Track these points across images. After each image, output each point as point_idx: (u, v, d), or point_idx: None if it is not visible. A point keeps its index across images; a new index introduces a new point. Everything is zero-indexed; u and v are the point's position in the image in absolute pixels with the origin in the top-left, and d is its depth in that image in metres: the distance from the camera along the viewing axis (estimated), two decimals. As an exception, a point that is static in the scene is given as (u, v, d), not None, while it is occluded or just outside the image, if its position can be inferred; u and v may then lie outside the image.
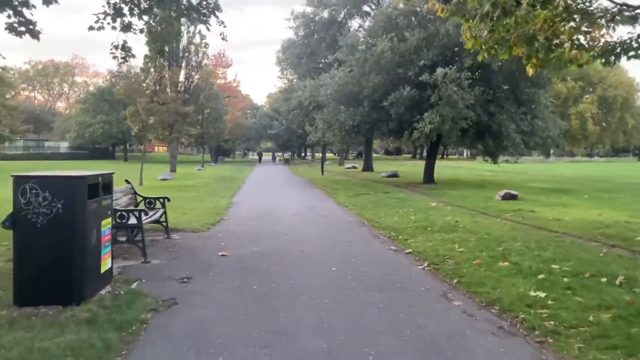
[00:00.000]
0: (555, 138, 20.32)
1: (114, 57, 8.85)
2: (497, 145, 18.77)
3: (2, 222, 4.61)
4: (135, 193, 8.39)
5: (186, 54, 34.13)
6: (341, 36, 25.38)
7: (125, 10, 8.24)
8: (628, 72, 69.56)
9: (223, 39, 9.04)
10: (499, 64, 15.42)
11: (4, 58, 8.45)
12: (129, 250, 6.74)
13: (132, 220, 6.34)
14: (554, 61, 8.05)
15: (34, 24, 7.40)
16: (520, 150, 18.88)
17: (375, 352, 3.64)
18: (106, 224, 5.06)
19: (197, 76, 34.95)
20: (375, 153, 59.25)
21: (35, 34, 7.43)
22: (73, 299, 4.44)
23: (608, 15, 7.95)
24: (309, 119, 31.45)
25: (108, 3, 8.15)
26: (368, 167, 35.72)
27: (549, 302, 4.70)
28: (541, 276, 5.56)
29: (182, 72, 33.70)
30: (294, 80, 43.70)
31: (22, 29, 7.36)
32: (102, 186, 4.94)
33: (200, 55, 35.06)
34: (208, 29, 8.78)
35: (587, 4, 7.88)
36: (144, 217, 6.77)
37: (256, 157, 66.11)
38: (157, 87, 27.29)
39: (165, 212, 8.23)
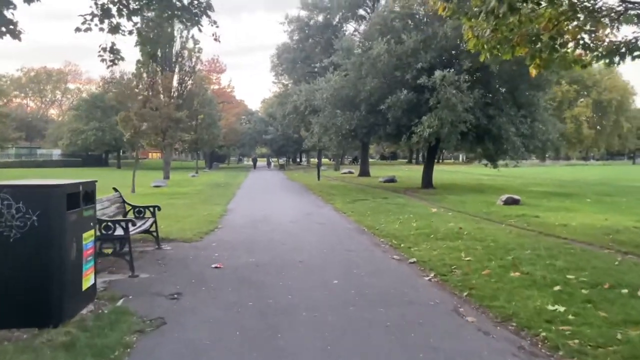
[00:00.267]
0: (555, 141, 20.09)
1: (102, 60, 8.43)
2: (497, 149, 18.47)
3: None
4: (124, 202, 7.97)
5: (179, 59, 33.71)
6: (336, 40, 25.12)
7: (114, 10, 7.87)
8: (622, 76, 69.82)
9: (216, 39, 8.61)
10: (499, 66, 15.15)
11: None
12: (116, 263, 6.31)
13: (119, 232, 5.92)
14: (558, 61, 7.85)
15: (14, 24, 6.99)
16: (521, 154, 18.59)
17: (387, 380, 3.25)
18: (88, 236, 4.65)
19: (190, 81, 34.52)
20: (371, 158, 58.96)
21: (16, 35, 7.02)
22: (50, 320, 4.05)
23: (613, 14, 7.71)
24: (305, 123, 31.13)
25: (96, 4, 7.78)
26: (365, 172, 35.44)
27: (570, 317, 4.35)
28: (557, 288, 5.21)
29: (175, 77, 33.26)
30: (289, 85, 43.31)
31: (3, 29, 6.95)
32: (83, 195, 4.54)
33: (193, 60, 34.62)
34: (200, 30, 8.37)
35: (592, 1, 7.63)
36: (131, 228, 6.34)
37: (251, 163, 65.74)
38: (150, 93, 26.88)
39: (155, 222, 7.81)
